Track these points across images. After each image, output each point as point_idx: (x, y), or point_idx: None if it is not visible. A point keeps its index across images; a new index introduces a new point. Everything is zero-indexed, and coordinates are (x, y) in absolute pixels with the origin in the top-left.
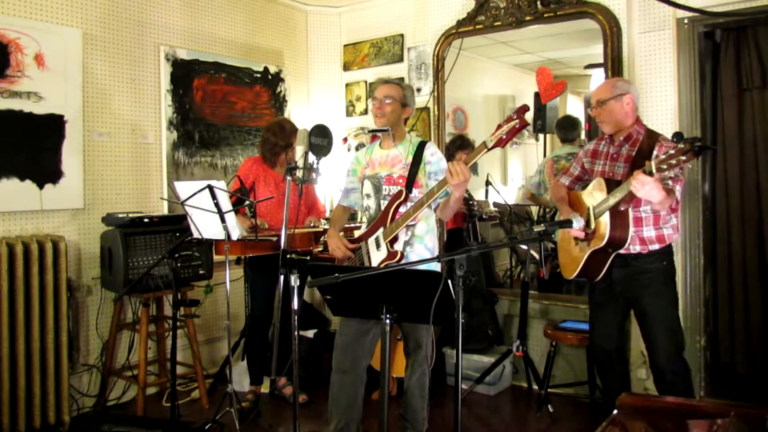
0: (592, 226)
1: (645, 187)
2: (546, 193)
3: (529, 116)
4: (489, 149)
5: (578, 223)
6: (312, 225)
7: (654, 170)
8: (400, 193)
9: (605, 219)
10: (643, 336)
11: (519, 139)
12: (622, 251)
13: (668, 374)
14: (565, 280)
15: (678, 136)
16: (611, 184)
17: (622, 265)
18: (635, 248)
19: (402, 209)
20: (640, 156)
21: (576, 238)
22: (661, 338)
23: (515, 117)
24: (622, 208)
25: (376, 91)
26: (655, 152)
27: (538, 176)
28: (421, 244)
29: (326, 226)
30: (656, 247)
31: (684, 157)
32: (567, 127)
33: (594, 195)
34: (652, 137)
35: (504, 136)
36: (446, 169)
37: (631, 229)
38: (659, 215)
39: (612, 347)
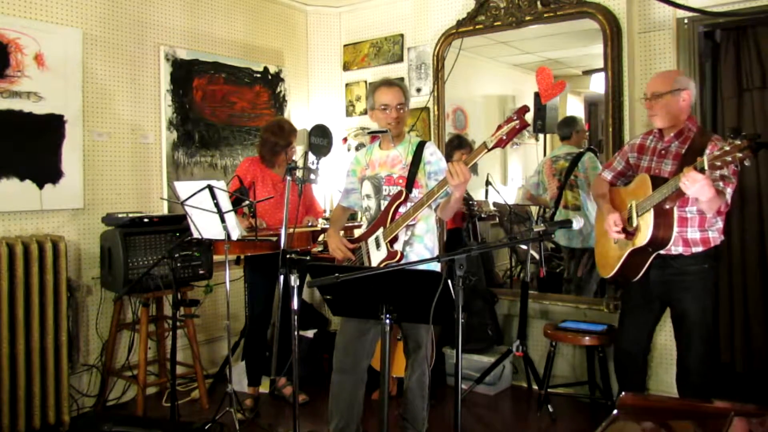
0: (635, 223)
1: (696, 185)
2: (545, 194)
3: (529, 116)
4: (489, 150)
5: (578, 223)
6: (309, 224)
7: (706, 167)
8: (400, 193)
9: (649, 217)
10: (677, 337)
11: (519, 139)
12: (662, 251)
13: (695, 376)
14: (565, 279)
15: (735, 132)
16: (657, 182)
17: (661, 266)
18: (677, 249)
19: (402, 209)
20: (690, 154)
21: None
22: (696, 342)
23: (515, 118)
24: (668, 206)
25: (383, 96)
26: (707, 151)
27: (537, 176)
28: (421, 244)
29: (325, 225)
30: (699, 249)
31: (740, 154)
32: (561, 125)
33: (637, 192)
34: (705, 135)
35: (504, 137)
36: (446, 169)
37: (675, 228)
38: (705, 217)
39: (639, 351)
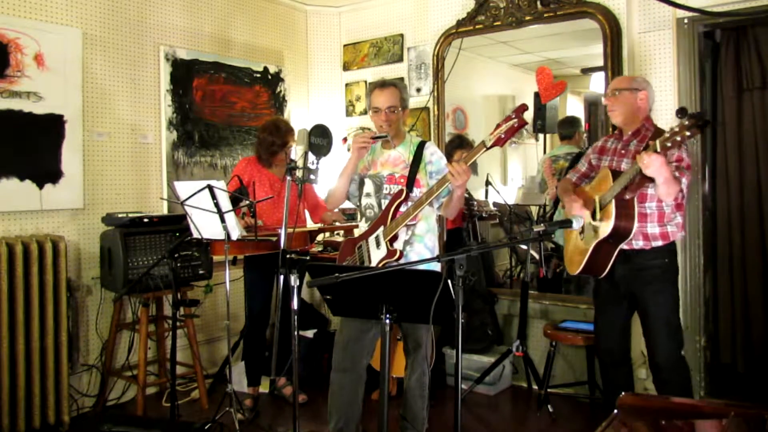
0: (598, 216)
1: (654, 162)
2: (544, 192)
3: (528, 116)
4: (488, 148)
5: (578, 223)
6: (335, 222)
7: (659, 148)
8: (400, 192)
9: (611, 208)
10: (644, 333)
11: (519, 138)
12: (625, 247)
13: (666, 373)
14: (565, 279)
15: (682, 111)
16: (617, 174)
17: (624, 261)
18: (638, 243)
19: (402, 208)
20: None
21: (581, 232)
22: (660, 336)
23: (514, 116)
24: (628, 197)
25: (375, 99)
26: None
27: (539, 175)
28: (421, 244)
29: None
30: (659, 243)
31: (688, 132)
32: (563, 124)
33: (600, 186)
34: (660, 133)
35: (503, 135)
36: (447, 170)
37: (636, 221)
38: (664, 212)
39: (616, 347)
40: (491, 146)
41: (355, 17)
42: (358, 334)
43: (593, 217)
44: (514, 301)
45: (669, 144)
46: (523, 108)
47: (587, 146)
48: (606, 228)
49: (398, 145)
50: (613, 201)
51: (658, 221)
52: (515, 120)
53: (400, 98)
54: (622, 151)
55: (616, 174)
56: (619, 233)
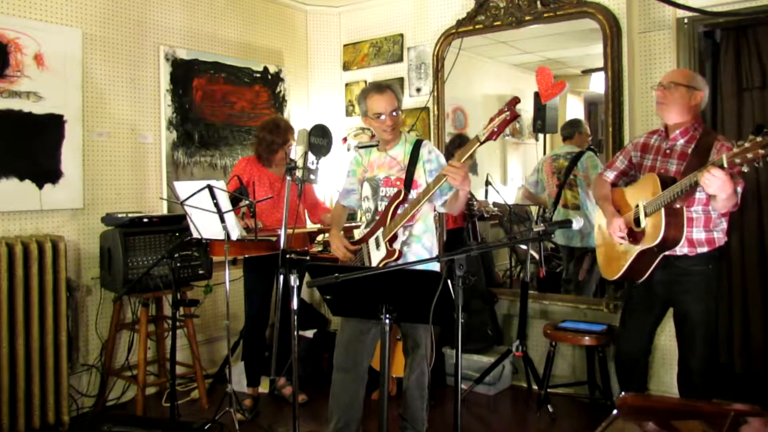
0: (642, 224)
1: (717, 181)
2: (544, 192)
3: (528, 116)
4: (482, 143)
5: (578, 223)
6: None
7: (725, 164)
8: (398, 193)
9: (659, 217)
10: (679, 338)
11: (518, 138)
12: (668, 252)
13: (698, 377)
14: (564, 280)
15: (759, 129)
16: (666, 181)
17: (665, 266)
18: (683, 250)
19: (401, 210)
20: (696, 153)
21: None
22: (698, 343)
23: (506, 109)
24: (678, 206)
25: (376, 104)
26: (714, 150)
27: (536, 175)
28: (419, 244)
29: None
30: (704, 249)
31: (762, 151)
32: (566, 125)
33: (644, 192)
34: (710, 135)
35: (496, 129)
36: (446, 167)
37: (685, 228)
38: (710, 217)
39: (640, 350)
40: (485, 140)
41: (355, 17)
42: (359, 334)
43: (636, 223)
44: (514, 301)
45: (738, 160)
46: (515, 101)
47: (589, 146)
48: (653, 238)
49: (394, 146)
50: (663, 210)
51: (704, 226)
52: (507, 113)
53: (398, 100)
54: (668, 151)
55: (665, 181)
56: (668, 243)
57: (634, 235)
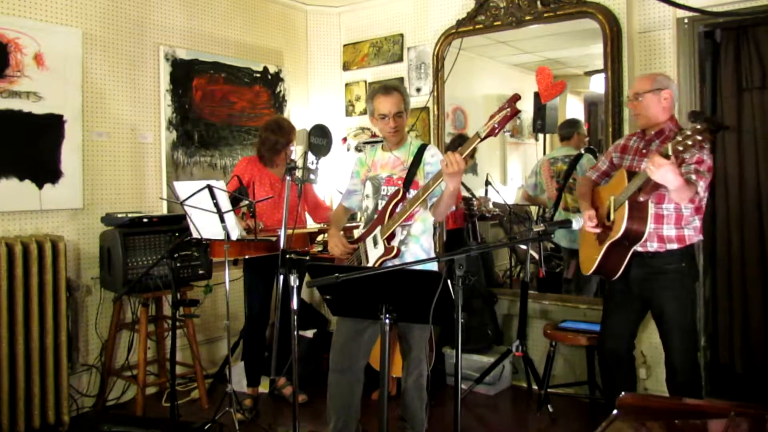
0: (612, 217)
1: (660, 169)
2: (543, 194)
3: (528, 116)
4: (482, 139)
5: (578, 223)
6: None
7: (670, 152)
8: (397, 192)
9: (624, 210)
10: (660, 336)
11: (518, 138)
12: (640, 249)
13: (681, 375)
14: (565, 279)
15: (695, 115)
16: (632, 176)
17: (640, 265)
18: (653, 245)
19: (399, 208)
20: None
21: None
22: (676, 341)
23: (506, 106)
24: (642, 199)
25: (381, 105)
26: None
27: (534, 177)
28: (417, 244)
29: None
30: (675, 246)
31: (700, 137)
32: (564, 125)
33: (616, 187)
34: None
35: (496, 125)
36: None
37: (650, 223)
38: (682, 215)
39: (623, 348)
40: (485, 136)
41: (355, 17)
42: (355, 335)
43: (607, 217)
44: (514, 301)
45: (680, 148)
46: (516, 98)
47: (587, 147)
48: (618, 230)
49: (399, 147)
50: (627, 202)
51: (675, 223)
52: (508, 109)
53: (404, 102)
54: (643, 151)
55: (631, 175)
56: (631, 235)
57: (606, 229)
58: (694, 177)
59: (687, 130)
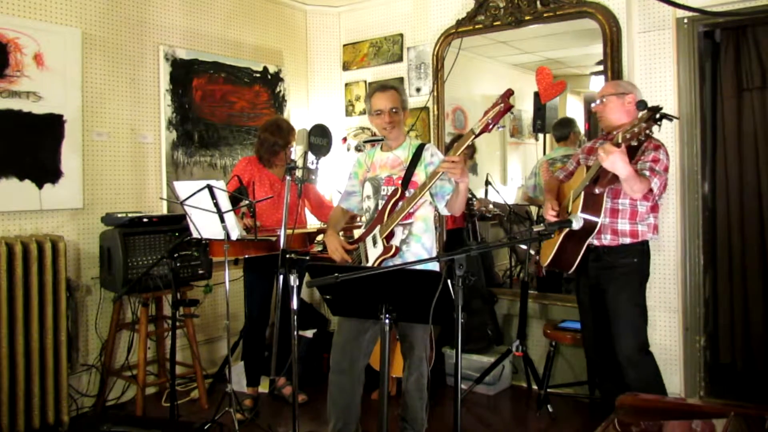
0: (570, 209)
1: (610, 156)
2: (542, 195)
3: (528, 116)
4: (477, 135)
5: (577, 223)
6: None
7: (620, 140)
8: (396, 191)
9: (579, 201)
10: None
11: (518, 138)
12: (595, 242)
13: (628, 370)
14: (565, 279)
15: (641, 104)
16: (589, 169)
17: (595, 259)
18: (606, 238)
19: (398, 207)
20: (629, 153)
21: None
22: (621, 334)
23: (500, 102)
24: (597, 191)
25: (377, 101)
26: (642, 149)
27: (534, 178)
28: (419, 244)
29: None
30: (627, 241)
31: (644, 124)
32: (557, 125)
33: (577, 182)
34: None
35: (490, 121)
36: (443, 161)
37: (605, 216)
38: (637, 211)
39: (603, 343)
40: (480, 132)
41: (354, 17)
42: (356, 335)
43: (566, 210)
44: (514, 301)
45: (628, 135)
46: (509, 93)
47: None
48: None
49: (398, 147)
50: (582, 194)
51: (630, 218)
52: (501, 105)
53: (400, 100)
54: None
55: (588, 169)
56: (584, 226)
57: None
58: (647, 173)
59: (635, 119)
